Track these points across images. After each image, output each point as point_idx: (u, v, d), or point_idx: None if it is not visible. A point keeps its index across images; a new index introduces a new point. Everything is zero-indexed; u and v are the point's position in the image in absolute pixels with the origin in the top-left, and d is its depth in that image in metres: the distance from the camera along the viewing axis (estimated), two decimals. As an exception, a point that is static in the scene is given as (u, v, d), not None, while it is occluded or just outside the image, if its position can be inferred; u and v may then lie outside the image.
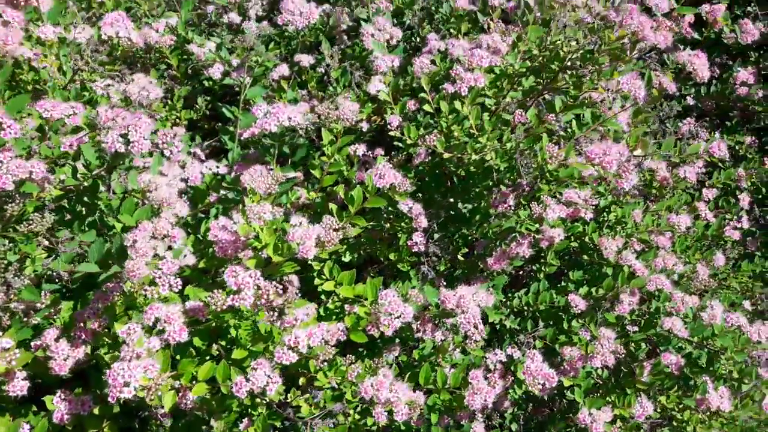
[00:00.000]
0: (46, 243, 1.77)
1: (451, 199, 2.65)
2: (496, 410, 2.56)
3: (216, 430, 1.87)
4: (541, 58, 2.32)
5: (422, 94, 2.47)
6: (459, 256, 2.74)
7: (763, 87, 3.58)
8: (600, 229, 2.72)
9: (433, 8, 3.34)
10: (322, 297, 2.17)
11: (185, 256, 1.87)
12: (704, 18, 3.35)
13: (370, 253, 2.57)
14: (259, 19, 3.32)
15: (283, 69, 2.84)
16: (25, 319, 1.80)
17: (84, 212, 1.99)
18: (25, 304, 1.77)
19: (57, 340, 1.72)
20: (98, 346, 1.79)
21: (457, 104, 2.29)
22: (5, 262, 1.72)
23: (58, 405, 1.72)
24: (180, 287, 1.74)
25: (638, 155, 2.33)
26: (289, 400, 1.86)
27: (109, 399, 1.48)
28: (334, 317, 2.09)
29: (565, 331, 2.59)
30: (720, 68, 3.89)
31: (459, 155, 2.30)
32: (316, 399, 1.91)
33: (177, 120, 3.10)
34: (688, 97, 3.76)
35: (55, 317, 1.85)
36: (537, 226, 2.43)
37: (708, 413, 2.43)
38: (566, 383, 2.37)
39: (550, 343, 2.57)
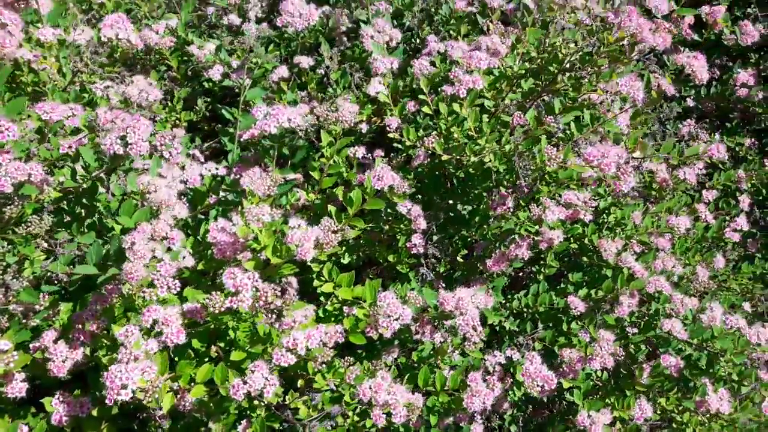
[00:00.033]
0: (45, 245, 1.77)
1: (451, 201, 2.65)
2: (496, 412, 2.56)
3: (214, 432, 1.87)
4: (539, 60, 2.32)
5: (421, 96, 2.48)
6: (458, 258, 2.74)
7: (764, 89, 3.57)
8: (600, 231, 2.72)
9: (433, 10, 3.34)
10: (321, 299, 2.17)
11: (184, 257, 1.87)
12: (704, 19, 3.35)
13: (370, 254, 2.57)
14: (258, 21, 3.32)
15: (283, 71, 2.84)
16: (24, 320, 1.80)
17: (83, 214, 1.99)
18: (24, 305, 1.77)
19: (55, 341, 1.72)
20: (97, 348, 1.79)
21: (456, 106, 2.29)
22: (4, 264, 1.73)
23: (56, 407, 1.72)
24: (179, 289, 1.74)
25: (637, 157, 2.33)
26: (287, 402, 1.86)
27: (107, 401, 1.48)
28: (333, 319, 2.09)
29: (565, 333, 2.58)
30: (720, 70, 3.89)
31: (458, 157, 2.31)
32: (314, 401, 1.91)
33: (177, 121, 3.11)
34: (688, 99, 3.76)
35: (54, 319, 1.86)
36: (536, 227, 2.43)
37: (707, 415, 2.43)
38: (565, 385, 2.36)
39: (549, 344, 2.57)
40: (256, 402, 1.84)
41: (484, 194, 2.57)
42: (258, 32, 3.18)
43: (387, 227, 2.50)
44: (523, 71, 2.40)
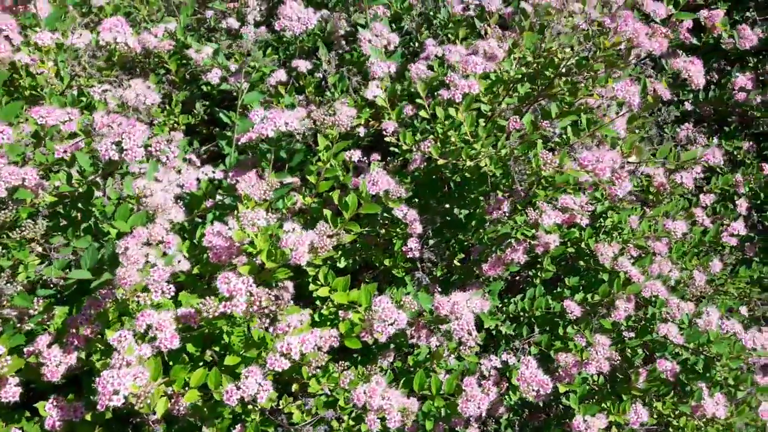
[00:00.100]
0: (40, 249, 1.77)
1: (447, 205, 2.66)
2: (492, 416, 2.55)
3: (209, 437, 1.87)
4: (535, 65, 2.32)
5: (418, 100, 2.48)
6: (455, 262, 2.74)
7: (762, 93, 3.57)
8: (596, 235, 2.72)
9: (431, 13, 3.35)
10: (317, 303, 2.17)
11: (179, 261, 1.88)
12: (703, 23, 3.36)
13: (366, 258, 2.57)
14: (257, 25, 3.33)
15: (281, 74, 2.84)
16: (19, 325, 1.81)
17: (79, 218, 2.00)
18: (18, 310, 1.78)
19: (49, 346, 1.73)
20: (91, 352, 1.79)
21: (452, 111, 2.29)
22: (-2, 268, 1.73)
23: (50, 411, 1.73)
24: (173, 293, 1.75)
25: (633, 162, 2.33)
26: (281, 407, 1.86)
27: (98, 407, 1.49)
28: (328, 323, 2.09)
29: (561, 337, 2.58)
30: (718, 73, 3.88)
31: (454, 161, 2.31)
32: (307, 406, 1.91)
33: (175, 125, 3.12)
34: (686, 103, 3.76)
35: (48, 323, 1.86)
36: (533, 231, 2.43)
37: (704, 420, 2.43)
38: (561, 389, 2.36)
39: (545, 349, 2.57)
40: (250, 407, 1.84)
41: (481, 198, 2.57)
42: (256, 36, 3.19)
43: (383, 231, 2.50)
44: (520, 75, 2.40)
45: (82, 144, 1.91)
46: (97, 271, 1.80)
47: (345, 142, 2.36)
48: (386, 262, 2.51)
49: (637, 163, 2.43)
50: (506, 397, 2.32)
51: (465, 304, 2.03)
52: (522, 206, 2.50)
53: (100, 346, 1.77)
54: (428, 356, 2.32)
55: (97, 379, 1.51)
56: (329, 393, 1.98)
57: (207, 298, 1.65)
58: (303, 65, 2.89)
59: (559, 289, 2.71)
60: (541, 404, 2.74)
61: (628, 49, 2.29)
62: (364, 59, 2.94)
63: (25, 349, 1.76)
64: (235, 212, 1.94)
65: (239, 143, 2.61)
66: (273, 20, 3.00)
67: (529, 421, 2.83)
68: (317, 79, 3.06)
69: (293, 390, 1.97)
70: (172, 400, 1.76)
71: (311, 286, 2.15)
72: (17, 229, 1.70)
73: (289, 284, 1.99)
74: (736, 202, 3.23)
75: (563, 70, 2.30)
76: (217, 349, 1.95)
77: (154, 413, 1.70)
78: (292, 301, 1.91)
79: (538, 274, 2.69)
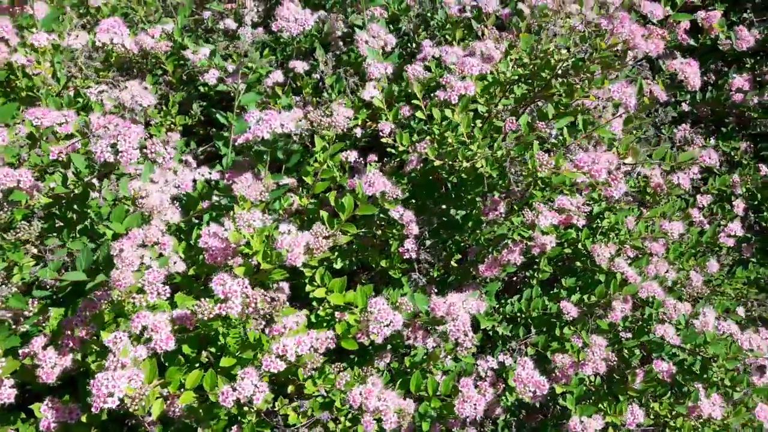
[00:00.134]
0: (35, 251, 1.77)
1: (444, 206, 2.66)
2: (488, 417, 2.55)
3: (204, 438, 1.87)
4: (532, 66, 2.32)
5: (415, 101, 2.48)
6: (452, 263, 2.74)
7: (759, 93, 3.57)
8: (593, 236, 2.72)
9: (429, 15, 3.35)
10: (314, 303, 2.17)
11: (175, 263, 1.87)
12: (700, 24, 3.36)
13: (362, 259, 2.57)
14: (254, 26, 3.32)
15: (278, 75, 2.84)
16: (14, 326, 1.81)
17: (74, 219, 2.00)
18: (13, 311, 1.78)
19: (45, 347, 1.72)
20: (87, 354, 1.79)
21: (449, 112, 2.29)
22: (-7, 269, 1.73)
23: (45, 413, 1.72)
24: (169, 294, 1.74)
25: (629, 163, 2.33)
26: (277, 409, 1.86)
27: (93, 409, 1.48)
28: (324, 324, 2.09)
29: (558, 338, 2.58)
30: (716, 74, 3.89)
31: (450, 162, 2.31)
32: (303, 408, 1.91)
33: (172, 125, 3.11)
34: (683, 104, 3.76)
35: (43, 325, 1.86)
36: (530, 232, 2.43)
37: (700, 421, 2.43)
38: (558, 390, 2.36)
39: (542, 350, 2.57)
40: (246, 408, 1.84)
41: (478, 199, 2.57)
42: (253, 37, 3.18)
43: (380, 232, 2.49)
44: (516, 77, 2.40)
45: (79, 145, 1.91)
46: (93, 273, 1.80)
47: (341, 143, 2.37)
48: (383, 263, 2.51)
49: (633, 164, 2.43)
50: (503, 398, 2.32)
51: (461, 305, 2.03)
52: (519, 207, 2.50)
53: (95, 347, 1.77)
54: (425, 357, 2.33)
55: (92, 381, 1.51)
56: (325, 394, 1.98)
57: (202, 299, 1.65)
58: (300, 66, 2.89)
59: (555, 290, 2.71)
60: (538, 405, 2.75)
61: (625, 51, 2.29)
62: (362, 60, 2.94)
63: (20, 351, 1.76)
64: (231, 213, 1.93)
65: (236, 144, 2.61)
66: (270, 21, 3.00)
67: (526, 422, 2.83)
68: (314, 80, 3.06)
69: (289, 391, 1.97)
70: (168, 402, 1.76)
71: (308, 287, 2.15)
72: (12, 230, 1.70)
73: (286, 285, 1.99)
74: (733, 202, 3.23)
75: (559, 72, 2.30)
76: (213, 350, 1.94)
77: (150, 415, 1.70)
78: (288, 303, 1.91)
79: (535, 274, 2.69)
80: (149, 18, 3.34)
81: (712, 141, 3.60)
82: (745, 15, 3.79)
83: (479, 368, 2.26)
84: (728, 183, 3.23)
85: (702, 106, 3.79)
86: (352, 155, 2.46)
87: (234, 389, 1.64)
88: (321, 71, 3.07)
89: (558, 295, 2.64)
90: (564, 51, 2.22)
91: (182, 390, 1.77)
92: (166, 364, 1.83)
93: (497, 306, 2.68)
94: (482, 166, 2.22)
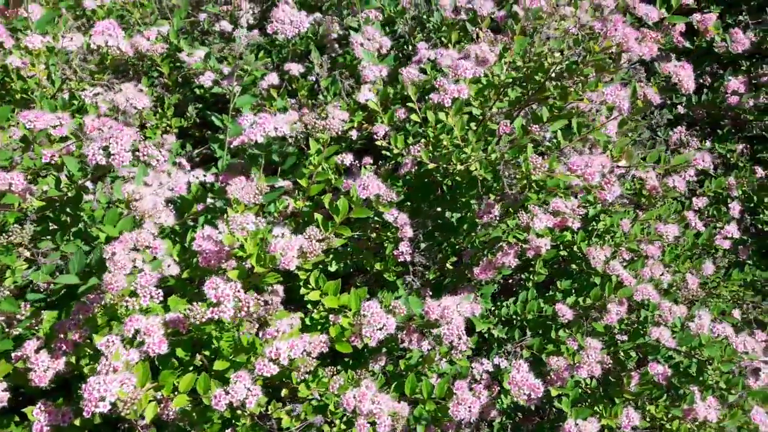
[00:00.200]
0: (27, 254, 1.77)
1: (439, 209, 2.65)
2: (484, 420, 2.55)
3: (198, 442, 1.87)
4: (525, 69, 2.32)
5: (410, 104, 2.48)
6: (447, 265, 2.73)
7: (754, 96, 3.58)
8: (589, 239, 2.72)
9: (424, 17, 3.35)
10: (309, 306, 2.17)
11: (169, 266, 1.87)
12: (695, 27, 3.35)
13: (357, 262, 2.57)
14: (250, 28, 3.32)
15: (273, 78, 2.84)
16: (7, 330, 1.80)
17: (68, 223, 1.99)
18: (5, 315, 1.77)
19: (37, 351, 1.72)
20: (80, 357, 1.79)
21: (442, 115, 2.29)
22: (-16, 273, 1.73)
23: (38, 416, 1.71)
24: (162, 298, 1.74)
25: (623, 166, 2.33)
26: (270, 412, 1.85)
27: (84, 413, 1.48)
28: (319, 327, 2.09)
29: (553, 341, 2.58)
30: (711, 77, 3.89)
31: (445, 165, 2.31)
32: (296, 411, 1.91)
33: (168, 128, 3.11)
34: (679, 106, 3.77)
35: (36, 328, 1.85)
36: (524, 235, 2.43)
37: (696, 423, 2.42)
38: (554, 393, 2.36)
39: (537, 352, 2.57)
40: (239, 411, 1.84)
41: (472, 202, 2.57)
42: (249, 39, 3.18)
43: (374, 235, 2.49)
44: (510, 80, 2.40)
45: (73, 148, 1.91)
46: (85, 276, 1.80)
47: (336, 146, 2.36)
48: (377, 266, 2.50)
49: (627, 167, 2.43)
50: (498, 400, 2.32)
51: (455, 309, 2.02)
52: (514, 210, 2.50)
53: (88, 350, 1.77)
54: (420, 360, 2.32)
55: (84, 385, 1.50)
56: (319, 398, 1.97)
57: (194, 303, 1.64)
58: (295, 68, 2.89)
59: (551, 293, 2.70)
60: (533, 408, 2.75)
61: (619, 54, 2.29)
62: (357, 63, 2.94)
63: (13, 354, 1.75)
64: (225, 216, 1.93)
65: (231, 146, 2.61)
66: (266, 23, 3.00)
67: (521, 425, 2.83)
68: (310, 82, 3.06)
69: (283, 395, 1.97)
70: (162, 405, 1.76)
71: (302, 290, 2.15)
72: (4, 233, 1.70)
73: (280, 288, 1.99)
74: (729, 205, 3.23)
75: (553, 75, 2.30)
76: (207, 353, 1.94)
77: (143, 418, 1.70)
78: (282, 305, 1.91)
79: (531, 277, 2.69)
80: (145, 20, 3.33)
81: (708, 143, 3.60)
82: (740, 17, 3.80)
83: (474, 371, 2.26)
84: (724, 185, 3.23)
85: (698, 109, 3.80)
86: (348, 158, 2.46)
87: (227, 393, 1.63)
88: (316, 73, 3.07)
89: (553, 297, 2.64)
90: (557, 54, 2.22)
91: (176, 393, 1.76)
92: (160, 368, 1.83)
93: (493, 308, 2.68)
94: (476, 169, 2.22)
